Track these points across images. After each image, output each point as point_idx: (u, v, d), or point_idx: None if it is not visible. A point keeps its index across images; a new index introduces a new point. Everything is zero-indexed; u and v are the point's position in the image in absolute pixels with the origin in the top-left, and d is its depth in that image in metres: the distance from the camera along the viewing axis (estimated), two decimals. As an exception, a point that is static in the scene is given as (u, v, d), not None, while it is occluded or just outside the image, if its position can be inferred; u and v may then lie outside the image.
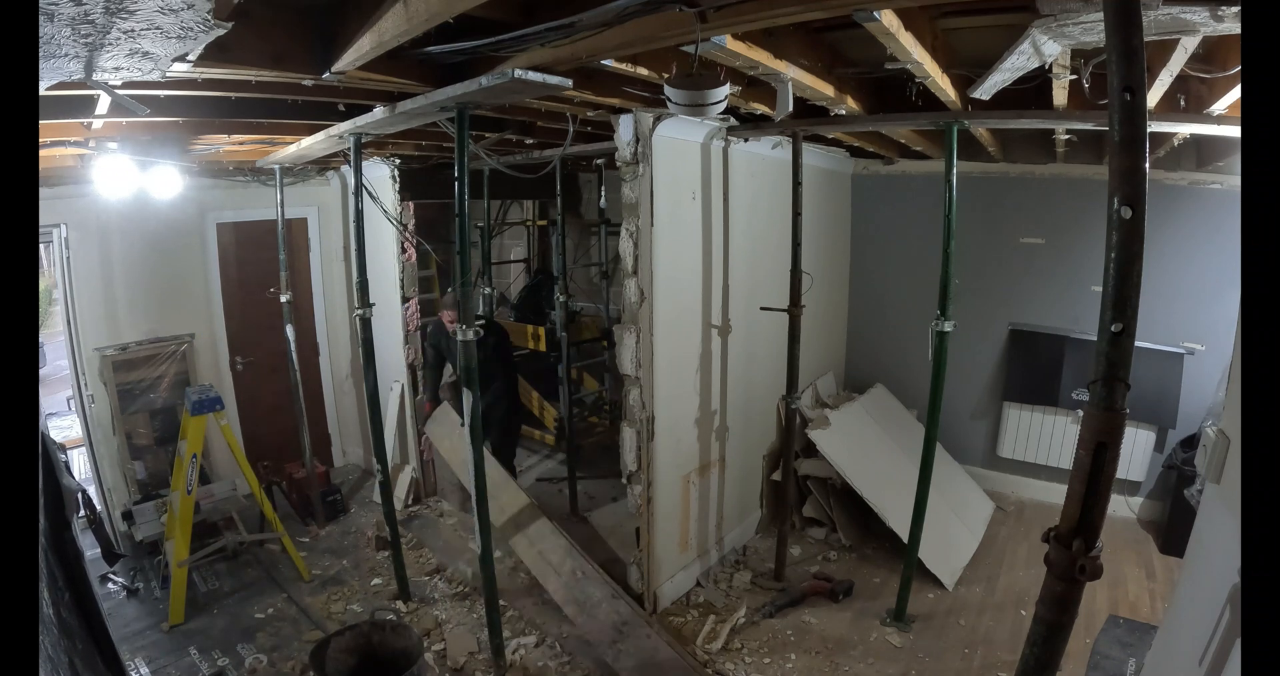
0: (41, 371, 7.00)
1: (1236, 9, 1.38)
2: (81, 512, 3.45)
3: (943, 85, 2.29)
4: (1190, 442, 3.92)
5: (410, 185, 4.25)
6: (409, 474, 4.50)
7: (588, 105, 2.72)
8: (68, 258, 3.81)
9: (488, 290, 4.82)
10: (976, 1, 1.90)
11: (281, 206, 4.03)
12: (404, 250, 4.26)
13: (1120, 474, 2.88)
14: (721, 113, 1.94)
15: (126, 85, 1.77)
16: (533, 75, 1.90)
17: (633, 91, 2.49)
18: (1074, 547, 1.02)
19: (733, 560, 3.76)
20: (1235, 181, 3.58)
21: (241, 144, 3.59)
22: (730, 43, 1.80)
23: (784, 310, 3.30)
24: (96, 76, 1.58)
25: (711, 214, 3.35)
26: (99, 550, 3.47)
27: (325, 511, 4.29)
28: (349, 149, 2.90)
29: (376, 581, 3.61)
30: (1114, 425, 0.98)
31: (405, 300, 4.31)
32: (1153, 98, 2.10)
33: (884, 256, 4.94)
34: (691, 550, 3.50)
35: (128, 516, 3.69)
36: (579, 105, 2.73)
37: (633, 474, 3.14)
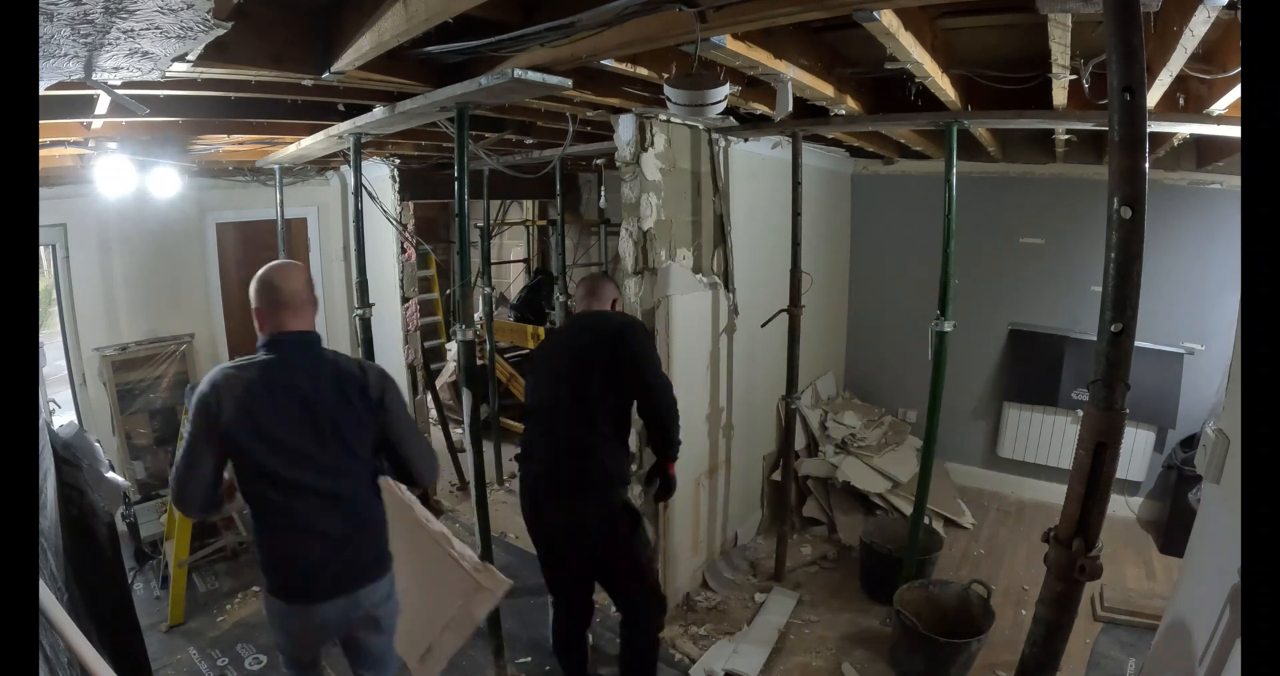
0: (42, 371, 6.99)
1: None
2: (123, 505, 3.47)
3: (943, 85, 2.29)
4: (1190, 442, 3.92)
5: (410, 185, 4.25)
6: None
7: (588, 105, 2.72)
8: (67, 257, 3.81)
9: (487, 290, 4.82)
10: (976, 1, 1.90)
11: (281, 206, 4.03)
12: (403, 250, 4.26)
13: (1120, 474, 2.88)
14: (721, 112, 1.94)
15: (126, 85, 1.77)
16: (533, 75, 1.90)
17: (633, 91, 2.49)
18: (1074, 547, 1.02)
19: (735, 560, 3.76)
20: (1235, 181, 3.58)
21: (241, 144, 3.60)
22: (730, 43, 1.81)
23: (784, 310, 3.30)
24: (96, 76, 1.58)
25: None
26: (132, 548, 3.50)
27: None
28: (349, 149, 2.90)
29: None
30: (1114, 425, 0.98)
31: (405, 300, 4.32)
32: (1153, 98, 2.10)
33: (884, 256, 4.94)
34: (701, 552, 3.51)
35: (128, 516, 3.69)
36: (579, 105, 2.73)
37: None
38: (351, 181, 2.97)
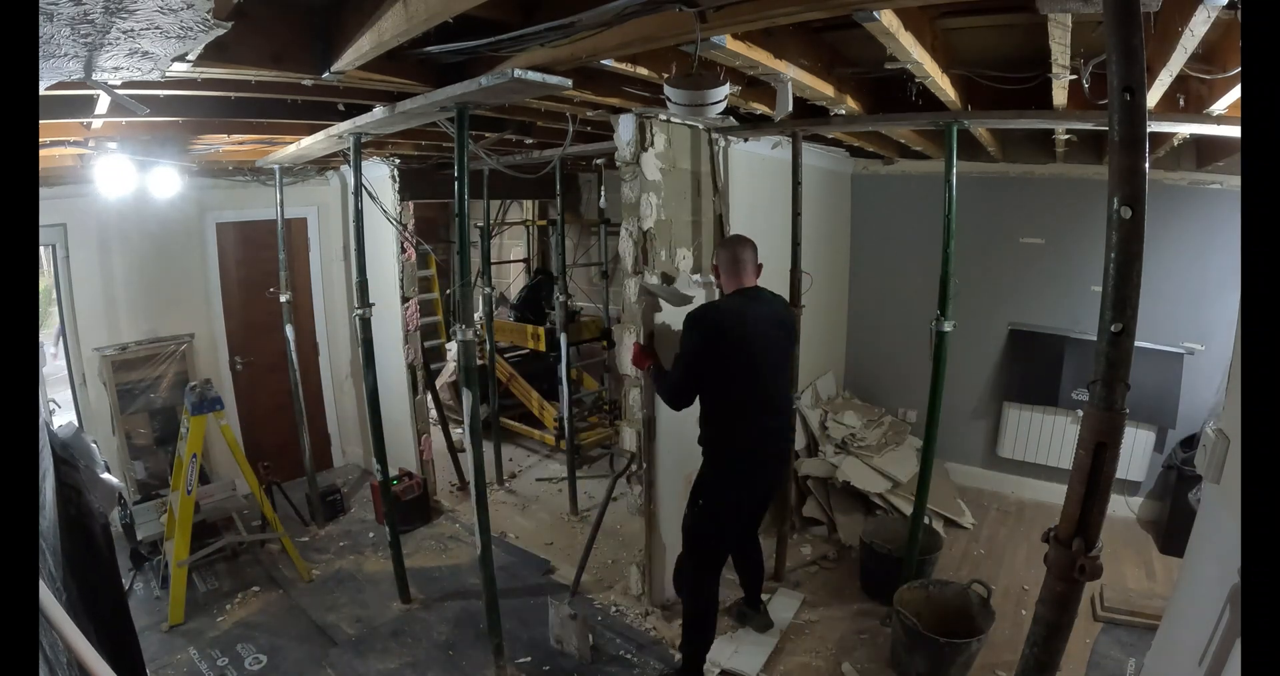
0: (42, 370, 6.98)
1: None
2: (118, 508, 3.47)
3: (943, 85, 2.29)
4: (1190, 442, 3.92)
5: (410, 185, 4.24)
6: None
7: (588, 105, 2.72)
8: (67, 257, 3.81)
9: (487, 290, 4.82)
10: (977, 1, 1.90)
11: (281, 206, 4.03)
12: (403, 250, 4.26)
13: (1120, 474, 2.89)
14: (721, 112, 1.94)
15: (126, 85, 1.77)
16: (532, 75, 1.90)
17: (633, 91, 2.49)
18: (1074, 547, 1.02)
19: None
20: (1235, 181, 3.58)
21: (241, 144, 3.60)
22: (730, 43, 1.81)
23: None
24: (96, 76, 1.58)
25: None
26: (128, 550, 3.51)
27: (325, 511, 4.29)
28: (349, 149, 2.90)
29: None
30: (1114, 425, 0.98)
31: (405, 300, 4.31)
32: (1153, 98, 2.11)
33: (884, 256, 4.94)
34: (691, 550, 3.50)
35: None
36: (579, 105, 2.73)
37: (633, 473, 3.14)
38: (351, 181, 2.97)
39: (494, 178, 4.70)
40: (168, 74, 1.68)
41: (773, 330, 2.55)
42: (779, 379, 2.61)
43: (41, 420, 1.39)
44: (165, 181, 3.54)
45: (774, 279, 3.58)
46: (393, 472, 3.64)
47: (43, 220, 3.59)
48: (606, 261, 5.12)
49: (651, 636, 3.08)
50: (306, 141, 3.18)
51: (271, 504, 3.80)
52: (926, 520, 3.27)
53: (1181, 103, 2.36)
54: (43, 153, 3.01)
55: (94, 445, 2.00)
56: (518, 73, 1.87)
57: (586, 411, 5.47)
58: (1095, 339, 1.00)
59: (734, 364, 2.44)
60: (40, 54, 1.33)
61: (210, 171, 4.15)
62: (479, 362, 3.11)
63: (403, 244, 4.22)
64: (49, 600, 0.87)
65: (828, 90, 2.40)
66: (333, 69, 1.88)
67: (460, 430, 5.13)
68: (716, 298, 2.79)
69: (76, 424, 3.83)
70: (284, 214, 4.06)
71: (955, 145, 2.74)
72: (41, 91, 1.68)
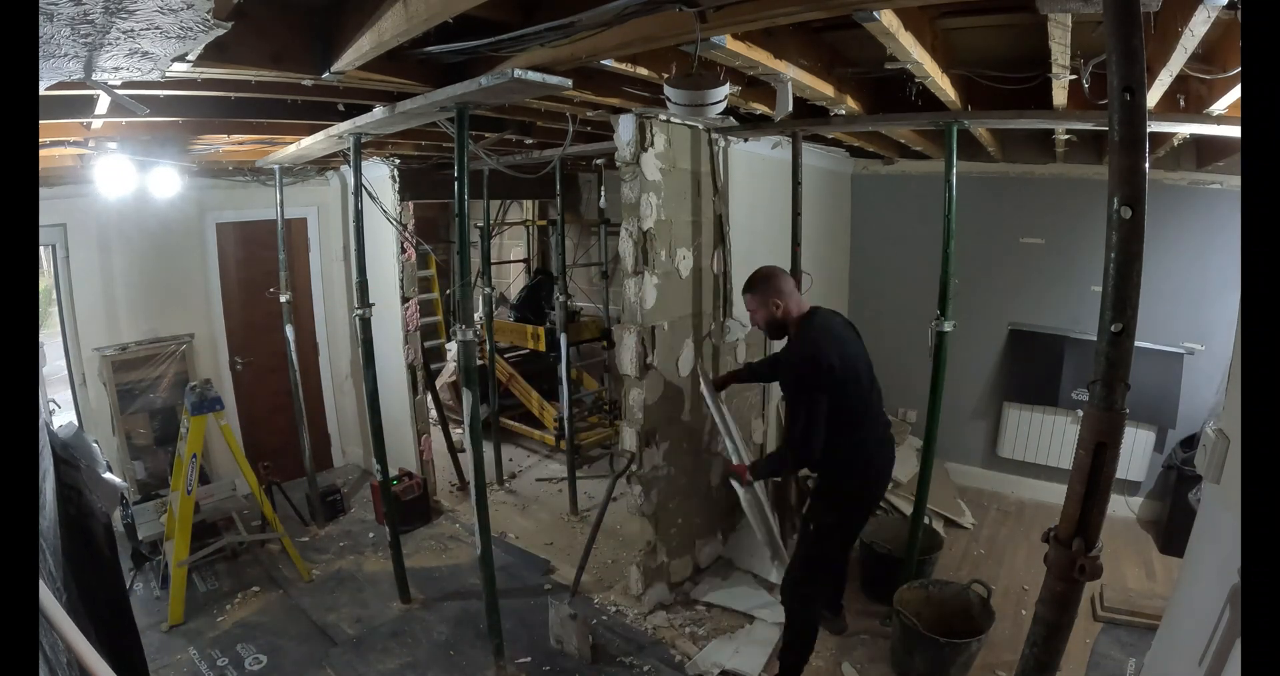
0: (41, 371, 6.98)
1: None
2: (120, 507, 3.47)
3: (943, 85, 2.29)
4: (1190, 442, 3.92)
5: (410, 185, 4.24)
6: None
7: (588, 105, 2.72)
8: (67, 257, 3.81)
9: (487, 290, 4.82)
10: (976, 1, 1.90)
11: (281, 206, 4.03)
12: (403, 250, 4.26)
13: (1120, 474, 2.88)
14: (721, 112, 1.94)
15: (126, 85, 1.77)
16: (532, 75, 1.90)
17: (633, 91, 2.49)
18: (1074, 547, 1.01)
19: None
20: (1235, 181, 3.58)
21: (241, 144, 3.60)
22: (730, 43, 1.81)
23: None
24: (96, 76, 1.58)
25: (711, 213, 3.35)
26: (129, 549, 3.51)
27: (325, 511, 4.29)
28: (349, 149, 2.90)
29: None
30: (1114, 425, 0.98)
31: (405, 300, 4.31)
32: (1153, 98, 2.11)
33: (884, 256, 4.93)
34: (696, 551, 3.50)
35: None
36: (579, 105, 2.73)
37: (633, 474, 3.14)
38: (351, 181, 2.97)
39: (494, 178, 4.70)
40: (168, 74, 1.68)
41: (854, 339, 2.69)
42: (875, 386, 2.67)
43: (42, 420, 1.39)
44: (165, 181, 3.54)
45: (774, 279, 3.58)
46: (393, 472, 3.65)
47: (43, 220, 3.59)
48: (606, 261, 5.12)
49: (651, 636, 3.08)
50: (306, 142, 3.18)
51: (271, 504, 3.80)
52: (926, 520, 3.27)
53: (1181, 103, 2.36)
54: (43, 153, 3.02)
55: (95, 445, 2.00)
56: (518, 73, 1.87)
57: (586, 411, 5.48)
58: (1095, 339, 1.00)
59: (846, 389, 2.48)
60: (40, 54, 1.33)
61: (210, 171, 4.15)
62: (479, 363, 3.11)
63: (403, 244, 4.22)
64: (49, 600, 0.87)
65: (828, 90, 2.40)
66: (333, 69, 1.88)
67: (460, 430, 5.13)
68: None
69: (77, 424, 3.83)
70: (284, 214, 4.06)
71: (955, 145, 2.74)
72: (41, 91, 1.68)
